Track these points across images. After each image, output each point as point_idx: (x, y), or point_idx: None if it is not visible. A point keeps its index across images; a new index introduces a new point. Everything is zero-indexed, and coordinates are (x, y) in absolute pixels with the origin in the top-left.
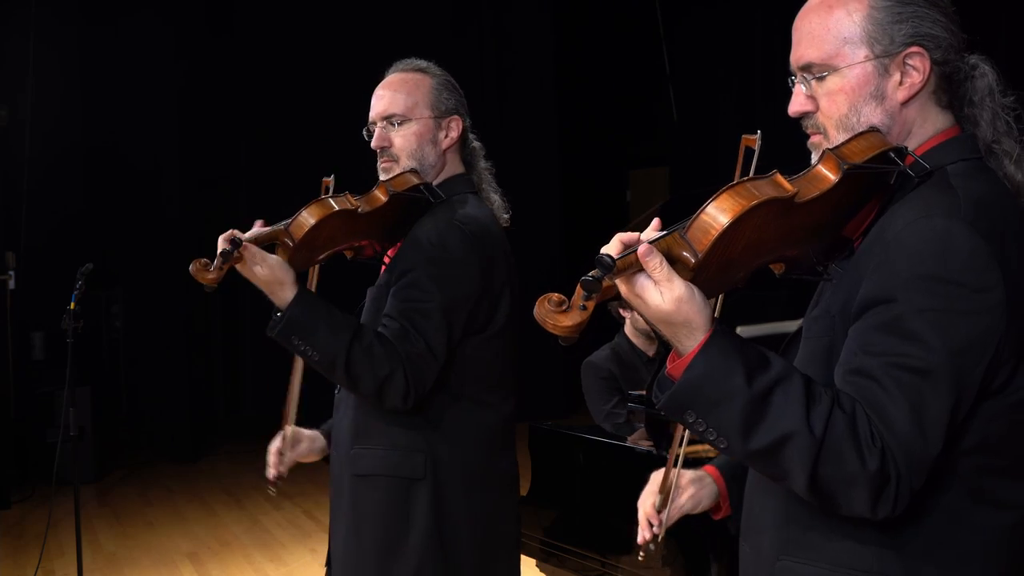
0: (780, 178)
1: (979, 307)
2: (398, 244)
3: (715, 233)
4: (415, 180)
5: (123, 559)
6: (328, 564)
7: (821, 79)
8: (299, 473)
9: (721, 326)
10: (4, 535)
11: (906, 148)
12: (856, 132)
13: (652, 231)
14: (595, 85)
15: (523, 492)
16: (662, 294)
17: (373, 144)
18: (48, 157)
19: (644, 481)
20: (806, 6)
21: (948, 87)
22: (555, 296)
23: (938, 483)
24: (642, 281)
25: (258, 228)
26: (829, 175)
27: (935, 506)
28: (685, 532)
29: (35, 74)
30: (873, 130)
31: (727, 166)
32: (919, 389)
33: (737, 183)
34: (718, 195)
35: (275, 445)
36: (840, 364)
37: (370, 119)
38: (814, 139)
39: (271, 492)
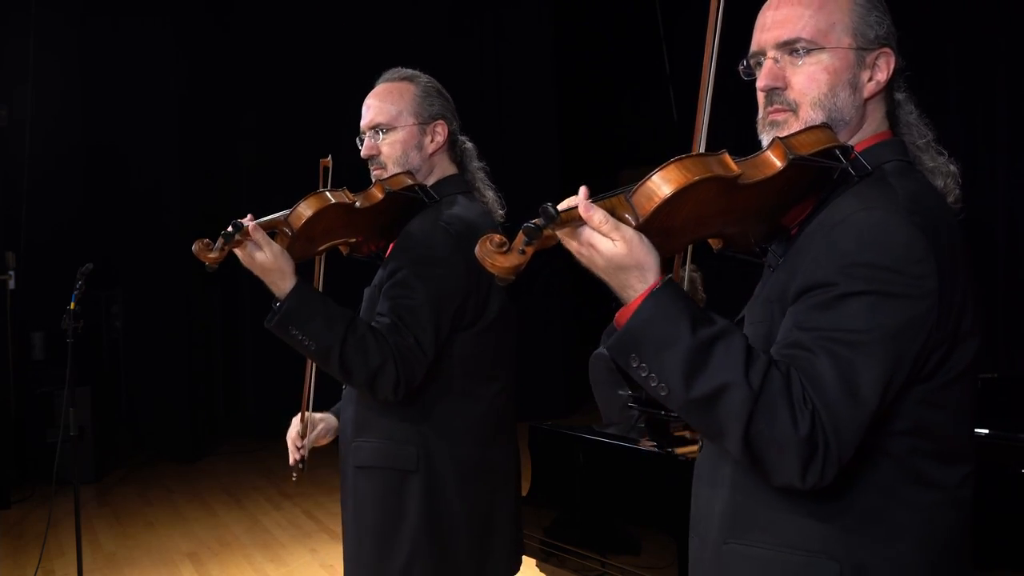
0: (727, 158)
1: (913, 293)
2: (392, 243)
3: (657, 200)
4: (409, 181)
5: (123, 559)
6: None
7: (807, 54)
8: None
9: (670, 277)
10: (4, 535)
11: (851, 147)
12: (826, 116)
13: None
14: (595, 85)
15: (523, 492)
16: (614, 241)
17: (363, 153)
18: (48, 157)
19: (645, 481)
20: None
21: (891, 97)
22: (497, 237)
23: (874, 463)
24: (589, 233)
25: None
26: (775, 162)
27: (870, 483)
28: None
29: (35, 74)
30: (825, 126)
31: None
32: (851, 361)
33: (686, 156)
34: (666, 165)
35: (294, 431)
36: (776, 342)
37: (360, 129)
38: (777, 116)
39: (294, 478)
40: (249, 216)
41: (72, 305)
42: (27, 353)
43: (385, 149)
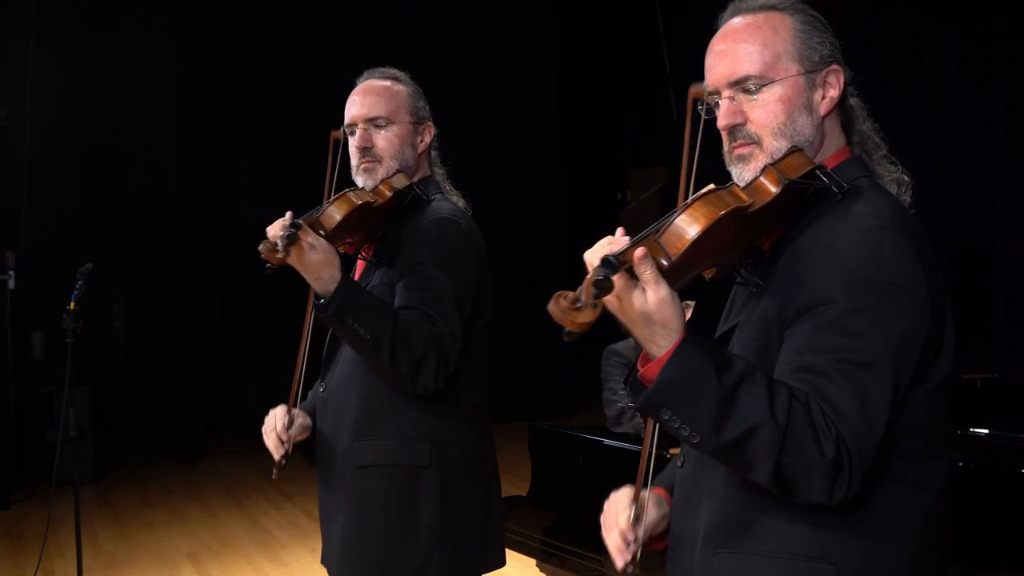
0: (737, 189)
1: (910, 303)
2: (373, 243)
3: (689, 239)
4: (407, 180)
5: (123, 559)
6: (322, 559)
7: (758, 91)
8: (299, 473)
9: (691, 328)
10: (4, 535)
11: (826, 166)
12: (789, 143)
13: (621, 235)
14: (595, 85)
15: (523, 492)
16: (647, 295)
17: (357, 144)
18: (48, 157)
19: None
20: (727, 30)
21: (843, 110)
22: (570, 294)
23: (873, 467)
24: (627, 282)
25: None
26: (771, 188)
27: (869, 488)
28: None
29: (35, 74)
30: (799, 149)
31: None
32: (864, 380)
33: (706, 193)
34: (691, 202)
35: (279, 424)
36: (785, 363)
37: (349, 121)
38: (742, 150)
39: (273, 475)
40: (289, 214)
41: (72, 305)
42: (27, 353)
43: (381, 143)
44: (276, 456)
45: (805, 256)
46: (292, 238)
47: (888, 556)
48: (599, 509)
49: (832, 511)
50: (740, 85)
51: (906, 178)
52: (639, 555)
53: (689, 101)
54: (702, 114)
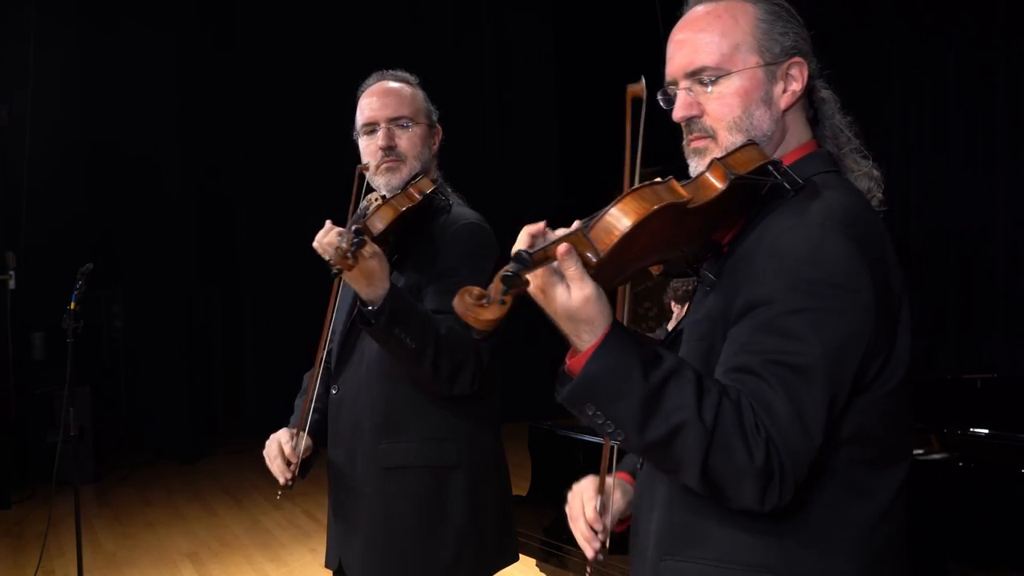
0: (676, 184)
1: (852, 306)
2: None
3: (618, 234)
4: (432, 185)
5: (123, 559)
6: (329, 563)
7: (714, 83)
8: None
9: (617, 323)
10: (4, 535)
11: (780, 162)
12: (745, 137)
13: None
14: (595, 85)
15: (523, 492)
16: (571, 292)
17: (382, 143)
18: (48, 157)
19: None
20: (688, 18)
21: (811, 103)
22: (476, 290)
23: (814, 475)
24: (552, 278)
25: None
26: (716, 184)
27: (811, 497)
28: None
29: (35, 74)
30: (753, 143)
31: None
32: (798, 385)
33: (640, 187)
34: (622, 198)
35: (287, 448)
36: (721, 363)
37: (368, 121)
38: (698, 143)
39: (279, 496)
40: (329, 223)
41: (72, 305)
42: (27, 353)
43: (404, 143)
44: (282, 480)
45: (751, 254)
46: (360, 244)
47: (835, 566)
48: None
49: (775, 519)
50: (696, 76)
51: (876, 172)
52: (608, 543)
53: (627, 100)
54: (661, 103)
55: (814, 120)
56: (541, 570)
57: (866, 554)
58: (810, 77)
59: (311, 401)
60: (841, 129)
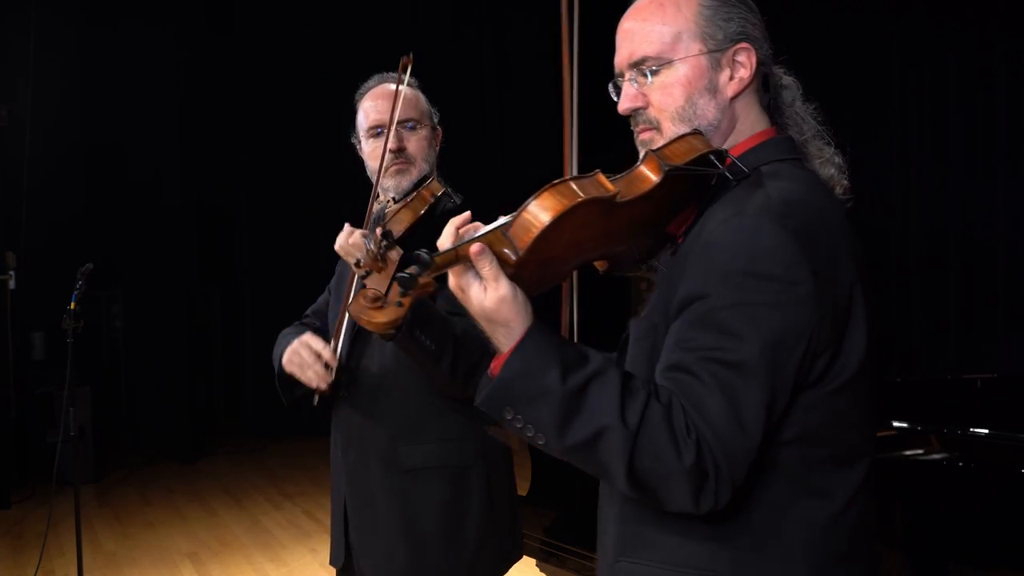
0: (602, 178)
1: (789, 300)
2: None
3: (536, 231)
4: (442, 187)
5: (123, 559)
6: (335, 560)
7: (655, 72)
8: (299, 473)
9: (539, 323)
10: (4, 535)
11: (726, 151)
12: (689, 127)
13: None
14: (595, 85)
15: (523, 492)
16: (486, 292)
17: (392, 145)
18: (48, 157)
19: None
20: (633, 7)
21: (766, 89)
22: (371, 292)
23: (761, 476)
24: (468, 277)
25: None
26: (651, 176)
27: (759, 499)
28: None
29: (35, 74)
30: (696, 133)
31: None
32: (734, 382)
33: (559, 182)
34: (540, 193)
35: (325, 354)
36: (660, 361)
37: (375, 123)
38: (644, 135)
39: (315, 401)
40: (348, 225)
41: (72, 305)
42: (27, 353)
43: (413, 145)
44: (324, 385)
45: (690, 247)
46: (390, 246)
47: (786, 569)
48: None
49: (721, 521)
50: (639, 67)
51: (838, 159)
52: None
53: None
54: (613, 97)
55: (774, 107)
56: (541, 570)
57: (819, 556)
58: (761, 63)
59: (343, 322)
60: (803, 116)
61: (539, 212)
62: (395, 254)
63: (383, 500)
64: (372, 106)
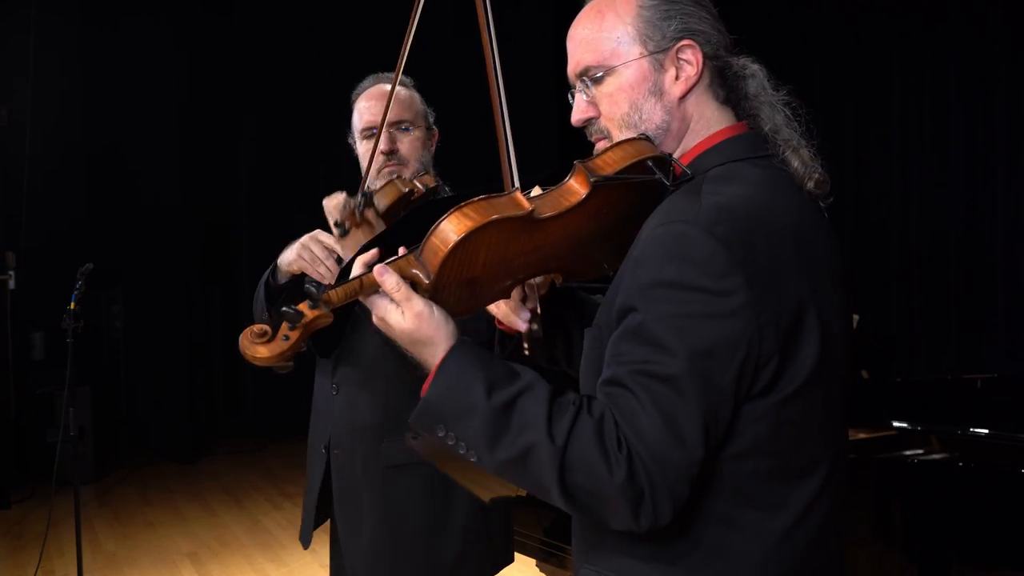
0: (519, 196)
1: (720, 311)
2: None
3: (443, 253)
4: (435, 181)
5: (123, 559)
6: (333, 559)
7: (599, 81)
8: (299, 473)
9: (464, 341)
10: (4, 535)
11: (669, 156)
12: (639, 131)
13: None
14: None
15: (523, 492)
16: (403, 313)
17: (384, 147)
18: (48, 157)
19: None
20: (578, 17)
21: (723, 83)
22: (257, 327)
23: (710, 490)
24: (383, 304)
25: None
26: (579, 189)
27: (710, 514)
28: None
29: (35, 74)
30: (640, 138)
31: None
32: (667, 396)
33: (470, 202)
34: (450, 213)
35: (339, 247)
36: (600, 376)
37: (368, 125)
38: (599, 145)
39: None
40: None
41: (72, 305)
42: (27, 353)
43: (406, 147)
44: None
45: (630, 256)
46: (367, 203)
47: None
48: None
49: (669, 537)
50: (584, 77)
51: (805, 152)
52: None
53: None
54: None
55: (731, 101)
56: (541, 570)
57: (772, 571)
58: (711, 57)
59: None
60: (773, 105)
61: (446, 233)
62: (371, 214)
63: (367, 497)
64: (366, 107)
